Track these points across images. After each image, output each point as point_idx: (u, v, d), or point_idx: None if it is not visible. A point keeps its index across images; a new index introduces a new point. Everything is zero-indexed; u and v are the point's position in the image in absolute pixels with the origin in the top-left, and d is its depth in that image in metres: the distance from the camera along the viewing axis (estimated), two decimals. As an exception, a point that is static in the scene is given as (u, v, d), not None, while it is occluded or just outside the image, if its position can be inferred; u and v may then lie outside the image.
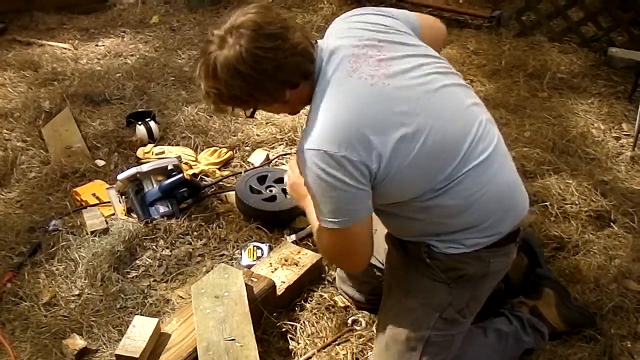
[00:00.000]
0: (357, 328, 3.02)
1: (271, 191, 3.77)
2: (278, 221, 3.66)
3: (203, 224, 3.67)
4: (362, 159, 2.22)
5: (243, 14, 2.27)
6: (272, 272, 3.18)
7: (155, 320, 2.69)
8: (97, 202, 3.83)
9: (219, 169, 4.24)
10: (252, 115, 2.47)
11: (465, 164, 2.39)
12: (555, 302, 2.95)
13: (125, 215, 3.74)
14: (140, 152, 4.32)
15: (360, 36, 2.42)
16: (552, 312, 2.94)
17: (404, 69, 2.38)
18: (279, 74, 2.26)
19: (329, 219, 2.32)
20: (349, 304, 3.14)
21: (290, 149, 4.45)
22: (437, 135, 2.34)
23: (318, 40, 2.44)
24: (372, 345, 2.88)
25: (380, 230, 2.86)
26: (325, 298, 3.17)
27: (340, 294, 3.19)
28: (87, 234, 3.57)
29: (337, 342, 2.94)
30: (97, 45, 6.21)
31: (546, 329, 2.91)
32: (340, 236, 2.38)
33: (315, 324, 3.03)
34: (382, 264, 2.92)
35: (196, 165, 4.22)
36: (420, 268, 2.57)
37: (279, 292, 3.06)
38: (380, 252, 2.89)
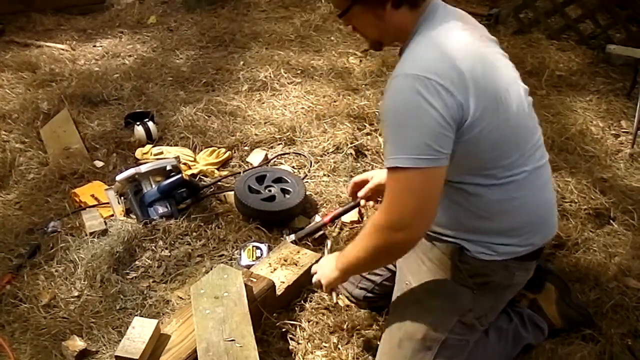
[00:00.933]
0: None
1: (270, 191, 3.77)
2: (277, 221, 3.66)
3: (202, 224, 3.67)
4: (460, 100, 2.20)
5: None
6: (271, 272, 3.18)
7: (154, 322, 2.69)
8: (96, 203, 3.82)
9: (217, 169, 4.23)
10: (341, 15, 2.40)
11: (527, 161, 2.44)
12: (556, 298, 2.96)
13: (124, 216, 3.74)
14: (138, 153, 4.32)
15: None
16: (552, 308, 2.95)
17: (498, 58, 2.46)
18: None
19: (408, 156, 2.20)
20: (348, 303, 3.14)
21: (289, 148, 4.46)
22: (518, 119, 2.39)
23: None
24: (372, 345, 2.89)
25: None
26: (324, 298, 3.16)
27: (340, 289, 3.18)
28: (86, 235, 3.56)
29: (337, 343, 2.94)
30: (94, 46, 6.22)
31: (546, 325, 2.92)
32: (417, 177, 2.23)
33: (315, 324, 3.03)
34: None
35: (195, 165, 4.21)
36: (447, 270, 2.57)
37: (278, 292, 3.05)
38: None
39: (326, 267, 2.69)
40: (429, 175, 2.23)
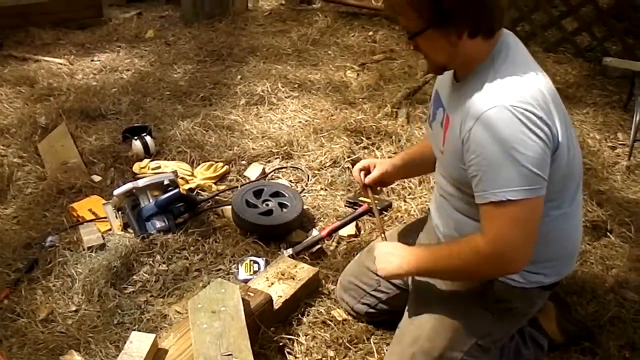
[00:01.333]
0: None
1: (267, 205, 3.78)
2: (274, 235, 3.66)
3: (200, 238, 3.67)
4: (553, 129, 2.23)
5: None
6: (268, 286, 3.18)
7: (152, 336, 2.69)
8: (93, 217, 3.83)
9: (215, 183, 4.24)
10: (412, 37, 2.36)
11: (577, 196, 2.50)
12: (556, 315, 2.96)
13: (121, 230, 3.74)
14: (136, 167, 4.32)
15: None
16: (552, 325, 2.95)
17: None
18: (483, 8, 2.24)
19: (518, 187, 2.19)
20: (346, 317, 3.14)
21: (286, 162, 4.46)
22: (579, 153, 2.47)
23: None
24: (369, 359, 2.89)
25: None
26: (322, 312, 3.16)
27: (339, 302, 3.20)
28: (84, 249, 3.56)
29: (334, 357, 2.94)
30: (92, 60, 6.23)
31: (546, 342, 2.92)
32: (525, 209, 2.23)
33: (313, 338, 3.03)
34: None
35: (192, 179, 4.22)
36: (473, 292, 2.57)
37: (275, 307, 3.05)
38: None
39: (395, 261, 2.60)
40: (535, 206, 2.25)
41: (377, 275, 2.73)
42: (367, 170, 3.09)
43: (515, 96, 2.20)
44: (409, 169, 3.16)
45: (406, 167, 3.09)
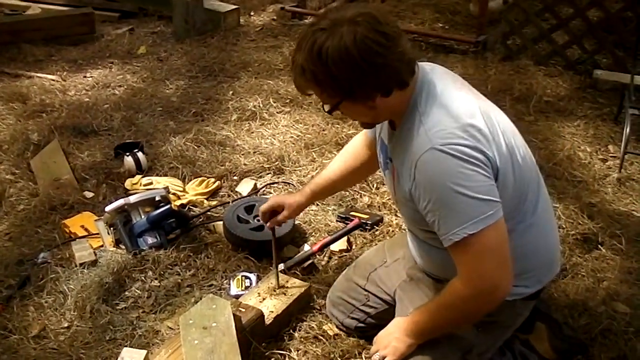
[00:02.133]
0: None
1: (259, 220, 3.77)
2: (266, 250, 3.64)
3: (191, 254, 3.68)
4: (489, 154, 2.25)
5: (359, 7, 2.24)
6: (260, 301, 3.18)
7: (143, 352, 2.70)
8: (85, 234, 3.83)
9: (206, 199, 4.24)
10: (331, 111, 2.40)
11: (538, 204, 2.51)
12: (548, 336, 2.94)
13: (113, 246, 3.74)
14: (128, 184, 4.33)
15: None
16: (544, 345, 2.93)
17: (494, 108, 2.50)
18: (383, 72, 2.22)
19: (474, 219, 2.21)
20: (337, 332, 3.14)
21: (278, 177, 4.47)
22: (527, 164, 2.47)
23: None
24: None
25: (389, 261, 3.01)
26: (313, 327, 3.17)
27: (329, 317, 3.20)
28: (76, 266, 3.57)
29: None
30: (85, 77, 6.24)
31: None
32: (488, 237, 2.24)
33: (305, 354, 3.03)
34: (388, 294, 2.96)
35: (184, 195, 4.22)
36: None
37: (267, 322, 3.05)
38: (387, 283, 2.96)
39: (395, 341, 2.61)
40: (497, 230, 2.26)
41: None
42: (274, 212, 3.15)
43: (442, 134, 2.23)
44: (329, 191, 3.25)
45: (324, 192, 3.20)
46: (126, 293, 3.41)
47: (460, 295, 2.36)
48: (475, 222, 2.21)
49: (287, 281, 3.32)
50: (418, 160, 2.25)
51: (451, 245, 2.28)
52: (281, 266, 3.49)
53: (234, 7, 7.58)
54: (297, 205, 3.13)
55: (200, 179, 4.38)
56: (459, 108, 2.30)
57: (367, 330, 3.04)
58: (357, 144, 3.07)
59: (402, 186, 2.43)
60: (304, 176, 4.44)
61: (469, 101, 2.35)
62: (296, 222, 3.87)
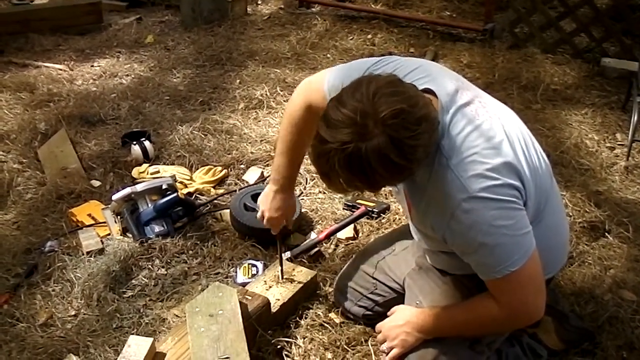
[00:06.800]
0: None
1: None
2: (273, 239, 3.65)
3: (198, 242, 3.68)
4: (518, 187, 2.25)
5: (380, 97, 2.02)
6: (266, 289, 3.19)
7: (150, 340, 2.69)
8: (92, 222, 3.84)
9: (213, 187, 4.25)
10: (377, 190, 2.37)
11: (546, 204, 2.47)
12: (554, 328, 2.94)
13: (120, 235, 3.75)
14: (135, 172, 4.34)
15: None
16: (552, 337, 2.92)
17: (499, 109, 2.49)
18: (425, 154, 2.13)
19: (516, 256, 2.23)
20: (344, 319, 3.14)
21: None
22: (542, 167, 2.45)
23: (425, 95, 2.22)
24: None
25: (397, 250, 3.00)
26: (320, 315, 3.17)
27: (335, 304, 3.20)
28: (83, 254, 3.58)
29: (332, 359, 2.94)
30: (92, 66, 6.25)
31: (545, 353, 2.90)
32: (528, 268, 2.25)
33: (311, 341, 3.03)
34: (397, 282, 2.95)
35: (191, 184, 4.23)
36: (463, 294, 2.60)
37: (273, 310, 3.06)
38: (396, 272, 2.96)
39: (404, 335, 2.63)
40: (534, 256, 2.28)
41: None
42: (280, 222, 3.15)
43: (476, 179, 2.18)
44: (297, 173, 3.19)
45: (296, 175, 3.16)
46: (133, 281, 3.42)
47: (495, 316, 2.39)
48: (517, 259, 2.22)
49: (294, 269, 3.33)
50: (457, 210, 2.20)
51: (491, 279, 2.31)
52: (288, 254, 3.50)
53: (242, -5, 7.57)
54: (293, 207, 3.18)
55: (207, 167, 4.38)
56: (484, 132, 2.25)
57: (374, 318, 3.03)
58: (299, 118, 2.93)
59: (423, 222, 2.44)
60: (310, 164, 4.40)
61: (493, 129, 2.28)
62: (303, 210, 3.87)
